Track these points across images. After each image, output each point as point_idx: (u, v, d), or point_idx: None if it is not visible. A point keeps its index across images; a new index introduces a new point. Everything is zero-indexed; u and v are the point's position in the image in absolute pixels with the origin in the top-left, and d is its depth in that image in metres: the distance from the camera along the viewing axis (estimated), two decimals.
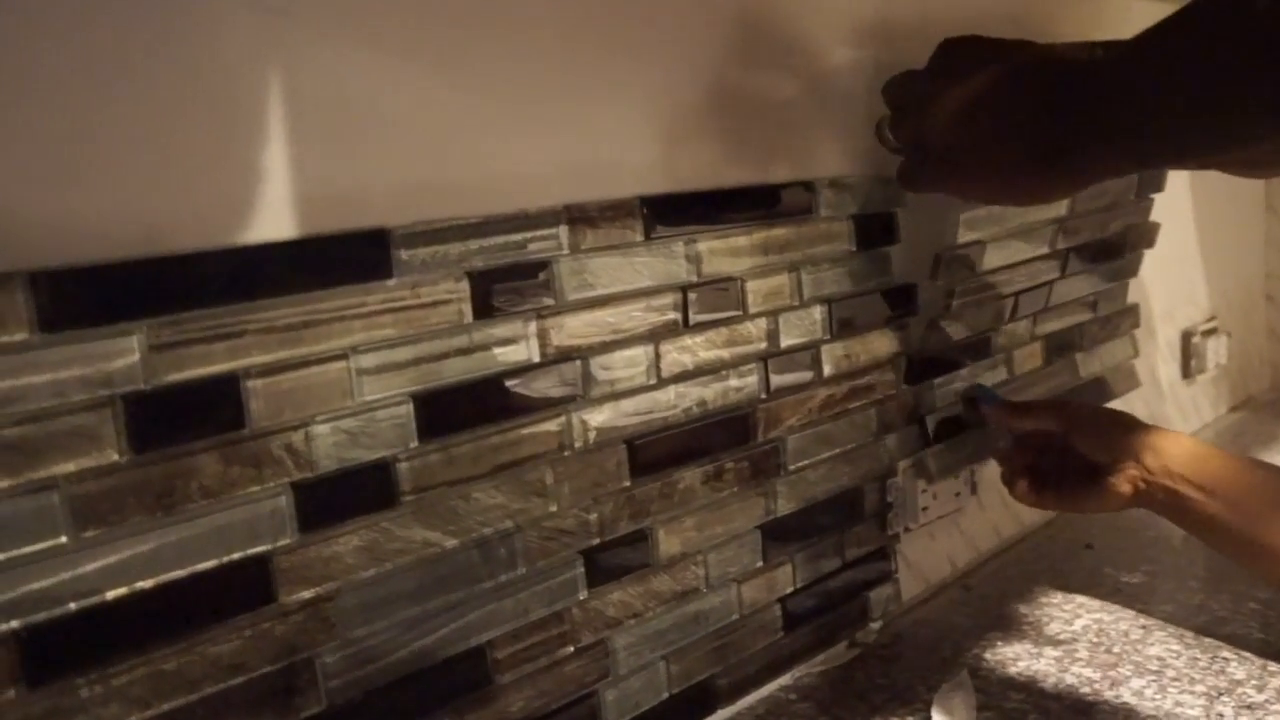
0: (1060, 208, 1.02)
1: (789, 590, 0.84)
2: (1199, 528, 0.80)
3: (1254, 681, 0.82)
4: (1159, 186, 1.16)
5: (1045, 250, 1.03)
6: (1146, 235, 1.20)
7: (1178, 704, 0.79)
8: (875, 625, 0.93)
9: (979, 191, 0.69)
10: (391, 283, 0.60)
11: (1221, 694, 0.80)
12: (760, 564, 0.82)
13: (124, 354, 0.50)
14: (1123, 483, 0.81)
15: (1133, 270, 1.21)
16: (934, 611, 0.99)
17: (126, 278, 0.50)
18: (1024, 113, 0.59)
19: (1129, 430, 0.84)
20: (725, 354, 0.77)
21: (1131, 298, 1.23)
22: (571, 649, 0.70)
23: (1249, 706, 0.78)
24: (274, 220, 0.56)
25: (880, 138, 0.70)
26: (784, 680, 0.86)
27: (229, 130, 0.54)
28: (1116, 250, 1.15)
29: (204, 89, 0.52)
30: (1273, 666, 0.84)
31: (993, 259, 0.96)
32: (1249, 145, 0.55)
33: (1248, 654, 0.86)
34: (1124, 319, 1.22)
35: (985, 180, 0.64)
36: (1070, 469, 0.86)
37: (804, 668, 0.88)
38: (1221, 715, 0.78)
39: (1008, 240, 0.97)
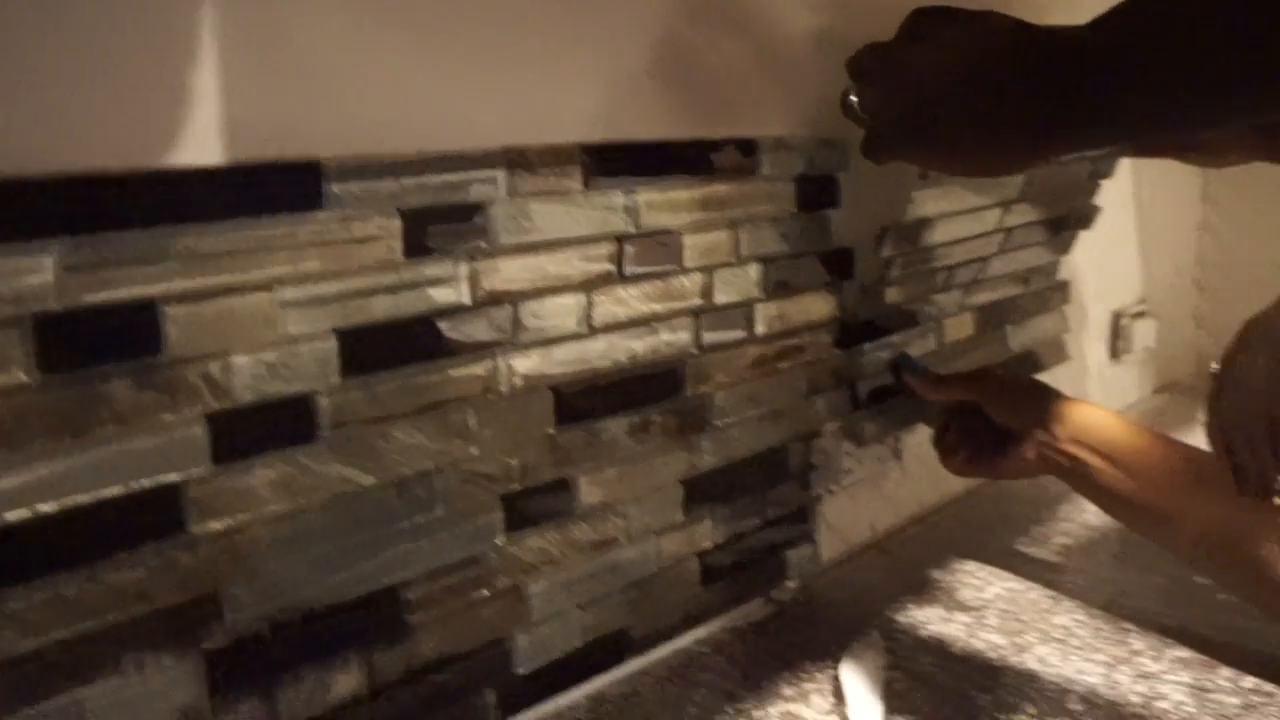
0: (1014, 190, 1.03)
1: (708, 545, 0.85)
2: (1101, 495, 0.83)
3: (1151, 653, 0.84)
4: (1109, 173, 1.18)
5: (990, 228, 1.04)
6: (1085, 217, 1.22)
7: (1079, 671, 0.81)
8: (792, 584, 0.94)
9: (946, 163, 0.68)
10: (322, 215, 0.58)
11: (1121, 663, 0.83)
12: (681, 518, 0.82)
13: (36, 272, 0.49)
14: (1029, 449, 0.85)
15: (1065, 248, 1.22)
16: (851, 573, 1.01)
17: (42, 194, 0.49)
18: (997, 84, 0.59)
19: (1039, 399, 0.87)
20: (658, 307, 0.77)
21: (1063, 276, 1.25)
22: (486, 593, 0.70)
23: (1144, 675, 0.81)
24: (202, 145, 0.54)
25: (844, 108, 0.69)
26: (699, 634, 0.87)
27: (160, 50, 0.52)
28: (1053, 229, 1.16)
29: (136, 5, 0.51)
30: (1170, 638, 0.86)
31: (938, 235, 0.97)
32: (1236, 119, 0.55)
33: (1149, 626, 0.88)
34: (1055, 294, 1.24)
35: (953, 152, 0.64)
36: (989, 437, 0.89)
37: (719, 622, 0.89)
38: (1119, 683, 0.80)
39: (955, 217, 0.98)
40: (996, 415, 0.88)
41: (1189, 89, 0.50)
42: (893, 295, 0.96)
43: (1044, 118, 0.56)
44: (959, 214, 0.98)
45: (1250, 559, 0.75)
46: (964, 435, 0.91)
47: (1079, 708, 0.77)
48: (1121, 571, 1.00)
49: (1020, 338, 1.19)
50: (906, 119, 0.64)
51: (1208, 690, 0.79)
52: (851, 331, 0.94)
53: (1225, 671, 0.81)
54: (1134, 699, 0.78)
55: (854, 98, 0.69)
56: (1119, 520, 0.85)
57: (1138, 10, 0.52)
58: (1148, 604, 0.93)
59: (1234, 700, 0.77)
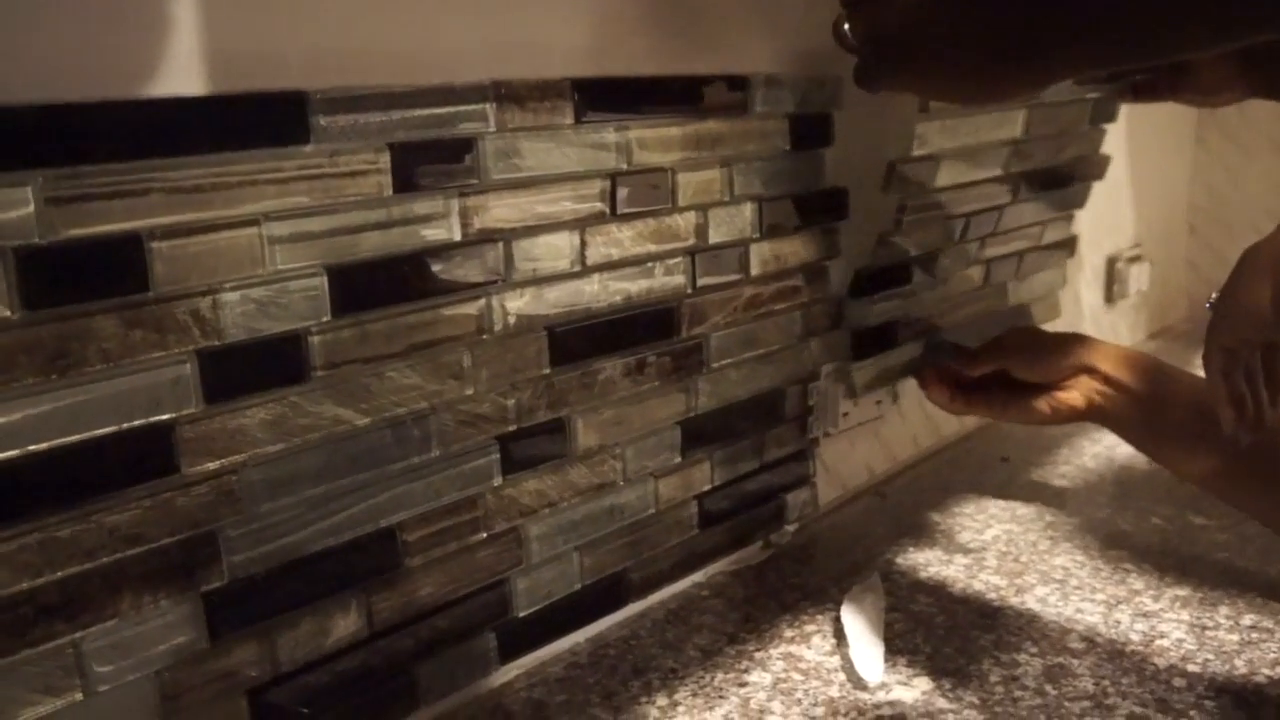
0: (1015, 128, 1.02)
1: (706, 488, 0.84)
2: (1136, 430, 0.88)
3: (1151, 592, 0.84)
4: (1111, 116, 1.16)
5: (998, 173, 1.03)
6: (1096, 167, 1.21)
7: (1079, 610, 0.81)
8: (790, 528, 0.94)
9: (938, 90, 0.68)
10: (308, 149, 0.57)
11: (1120, 602, 0.82)
12: (678, 460, 0.81)
13: (17, 205, 0.47)
14: (1077, 398, 0.89)
15: (1080, 201, 1.21)
16: (849, 517, 1.00)
17: (21, 124, 0.47)
18: (986, 6, 0.58)
19: (1077, 347, 0.90)
20: (652, 247, 0.76)
21: (1073, 230, 1.24)
22: (484, 535, 0.69)
23: (1144, 615, 0.80)
24: (186, 75, 0.53)
25: (837, 36, 0.68)
26: (697, 577, 0.87)
27: None
28: (1065, 179, 1.15)
29: None
30: (1169, 578, 0.86)
31: (945, 177, 0.95)
32: (1220, 42, 0.54)
33: (1147, 566, 0.88)
34: (1059, 251, 1.23)
35: (945, 78, 0.63)
36: (1005, 383, 0.93)
37: (718, 565, 0.88)
38: (1119, 622, 0.79)
39: (960, 159, 0.96)
40: (1028, 375, 0.92)
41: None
42: (908, 244, 0.95)
43: (1034, 35, 0.55)
44: (965, 154, 0.96)
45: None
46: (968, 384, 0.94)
47: (1079, 645, 0.76)
48: (1119, 513, 1.00)
49: (1019, 293, 1.18)
50: (897, 44, 0.63)
51: (1206, 628, 0.78)
52: (866, 281, 0.93)
53: (1224, 609, 0.81)
54: (1134, 637, 0.77)
55: (846, 26, 0.68)
56: (1153, 456, 0.89)
57: None
58: (1146, 544, 0.93)
59: (1233, 638, 0.77)
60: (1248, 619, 0.79)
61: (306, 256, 0.58)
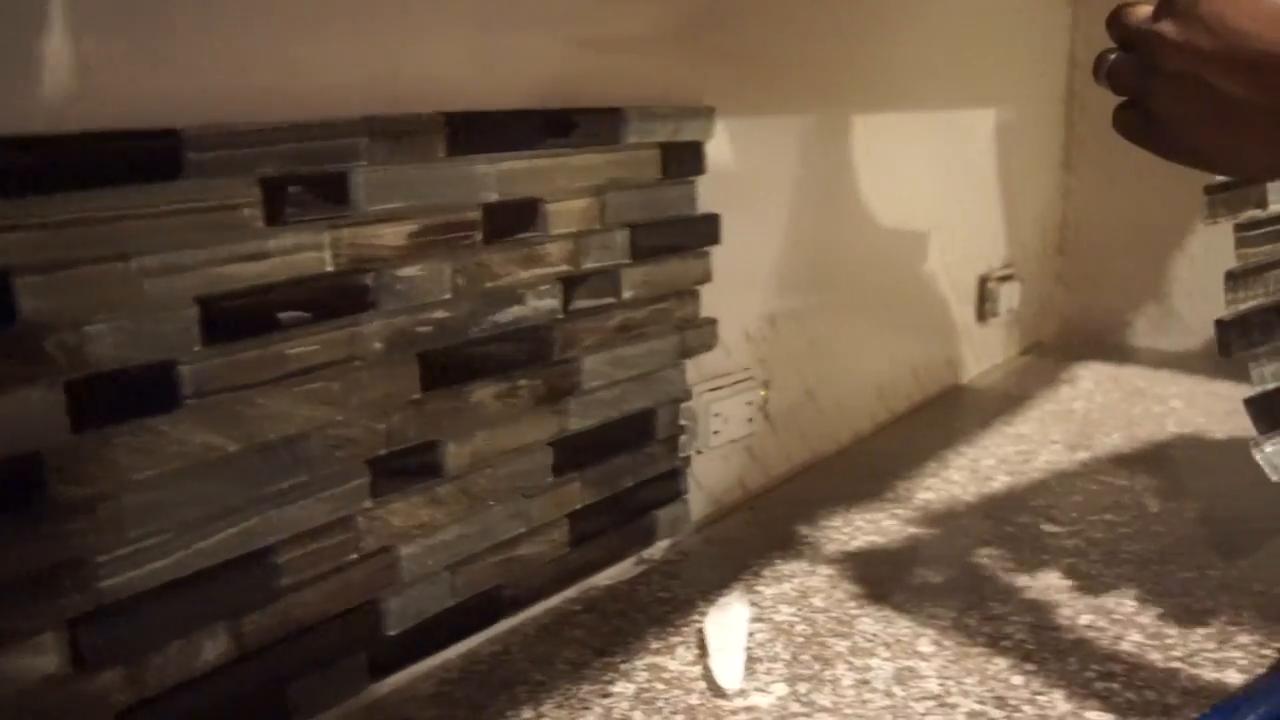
0: None
1: (578, 507, 0.87)
2: None
3: (1000, 596, 0.89)
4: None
5: None
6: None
7: (931, 616, 0.86)
8: (663, 543, 0.97)
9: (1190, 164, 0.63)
10: (180, 184, 0.59)
11: (971, 607, 0.87)
12: (550, 480, 0.84)
13: None
14: None
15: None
16: (721, 531, 1.04)
17: None
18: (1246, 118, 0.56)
19: None
20: (524, 274, 0.79)
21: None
22: (356, 556, 0.71)
23: (991, 618, 0.85)
24: (57, 113, 0.54)
25: (1097, 70, 0.66)
26: (570, 593, 0.90)
27: (12, 16, 0.52)
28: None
29: None
30: (1018, 583, 0.91)
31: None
32: None
33: (999, 572, 0.93)
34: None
35: (1195, 161, 0.61)
36: None
37: (591, 581, 0.91)
38: (968, 625, 0.84)
39: None
40: None
41: None
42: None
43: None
44: None
45: None
46: None
47: (929, 649, 0.81)
48: (979, 522, 1.05)
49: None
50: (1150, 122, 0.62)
51: (1046, 628, 0.84)
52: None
53: (1065, 611, 0.86)
54: (980, 639, 0.82)
55: (1106, 72, 0.64)
56: None
57: None
58: (1000, 552, 0.98)
59: (1069, 637, 0.82)
60: (1085, 618, 0.85)
61: (178, 288, 0.60)
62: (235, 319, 0.63)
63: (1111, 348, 1.74)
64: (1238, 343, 0.89)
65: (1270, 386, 0.89)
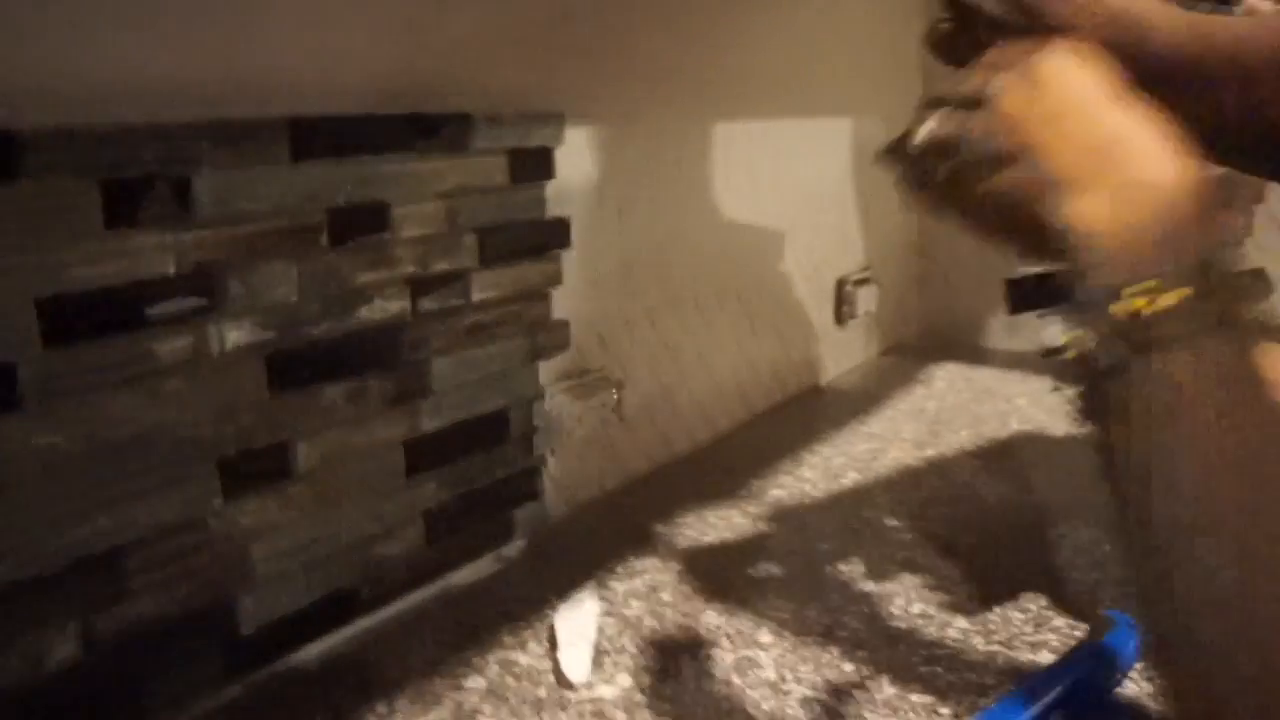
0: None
1: (432, 506, 0.89)
2: None
3: (839, 589, 0.94)
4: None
5: None
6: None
7: (773, 608, 0.90)
8: (520, 541, 1.00)
9: None
10: (19, 186, 0.59)
11: (812, 599, 0.91)
12: (403, 480, 0.86)
13: None
14: None
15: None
16: (578, 528, 1.07)
17: None
18: None
19: None
20: (372, 276, 0.80)
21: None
22: (207, 556, 0.72)
23: (830, 609, 0.90)
24: None
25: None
26: (427, 591, 0.91)
27: None
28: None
29: None
30: (858, 575, 0.96)
31: None
32: None
33: (841, 566, 0.98)
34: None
35: None
36: None
37: (448, 579, 0.93)
38: (807, 617, 0.88)
39: None
40: None
41: None
42: None
43: None
44: None
45: None
46: None
47: (768, 640, 0.85)
48: (826, 517, 1.09)
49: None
50: None
51: (879, 617, 0.88)
52: None
53: (899, 600, 0.91)
54: (817, 629, 0.86)
55: None
56: None
57: None
58: (844, 546, 1.02)
59: (900, 625, 0.87)
60: (916, 607, 0.90)
61: (16, 290, 0.60)
62: (76, 321, 0.63)
63: (966, 349, 1.81)
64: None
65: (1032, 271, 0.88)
